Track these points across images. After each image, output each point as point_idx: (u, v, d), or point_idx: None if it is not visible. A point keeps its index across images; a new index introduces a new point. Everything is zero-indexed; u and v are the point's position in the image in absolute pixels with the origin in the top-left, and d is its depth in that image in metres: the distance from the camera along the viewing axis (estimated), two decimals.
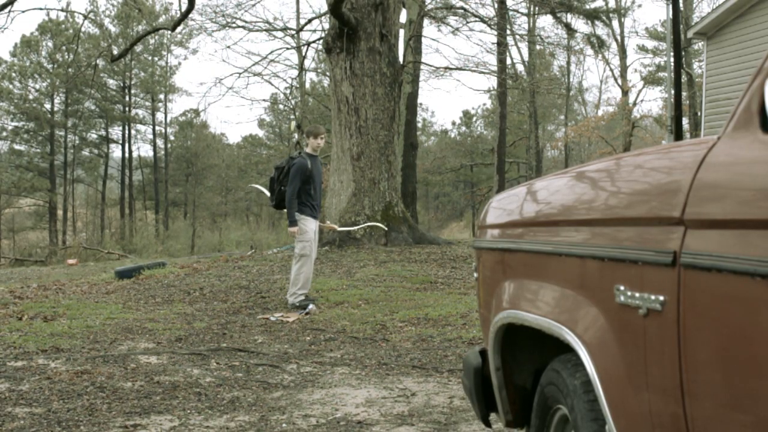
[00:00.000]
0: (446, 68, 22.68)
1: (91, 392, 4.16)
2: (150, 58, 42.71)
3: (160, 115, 44.44)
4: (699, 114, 21.03)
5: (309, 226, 7.05)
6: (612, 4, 33.98)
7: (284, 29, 24.41)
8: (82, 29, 21.66)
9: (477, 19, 20.27)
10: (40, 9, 32.26)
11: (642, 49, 37.57)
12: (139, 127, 44.12)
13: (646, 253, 1.41)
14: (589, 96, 52.22)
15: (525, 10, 25.53)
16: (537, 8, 23.73)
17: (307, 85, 36.67)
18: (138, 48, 37.19)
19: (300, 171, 6.95)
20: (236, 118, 52.79)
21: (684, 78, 26.27)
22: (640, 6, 66.94)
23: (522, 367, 2.18)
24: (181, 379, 4.47)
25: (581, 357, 1.61)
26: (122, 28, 39.23)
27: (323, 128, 7.41)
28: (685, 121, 25.25)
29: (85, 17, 20.71)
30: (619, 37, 34.13)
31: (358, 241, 12.28)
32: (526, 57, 33.97)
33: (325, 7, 16.52)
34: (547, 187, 2.07)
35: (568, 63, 38.56)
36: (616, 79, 36.11)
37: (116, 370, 4.70)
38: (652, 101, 72.98)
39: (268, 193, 7.52)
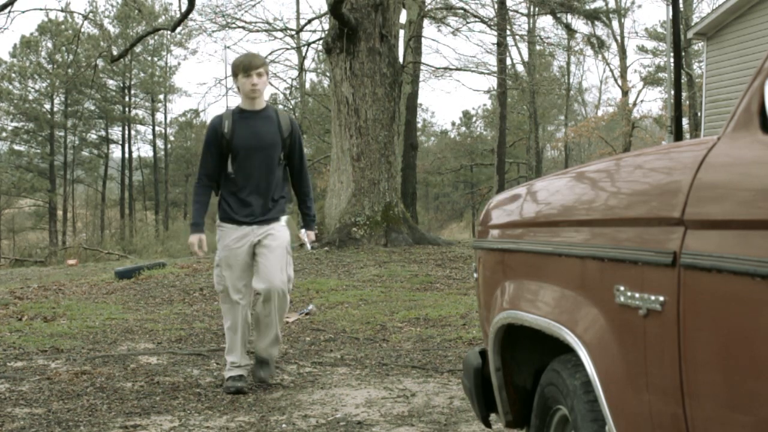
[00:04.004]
0: (446, 68, 22.73)
1: (91, 392, 4.16)
2: (150, 58, 42.71)
3: (159, 116, 44.50)
4: (699, 114, 21.04)
5: (226, 239, 4.16)
6: (612, 4, 34.00)
7: (284, 29, 24.42)
8: (82, 30, 21.64)
9: (477, 19, 20.30)
10: (40, 9, 32.29)
11: (642, 49, 37.59)
12: (139, 127, 44.17)
13: (646, 253, 1.41)
14: (589, 96, 52.24)
15: (525, 11, 25.55)
16: (537, 9, 23.74)
17: (307, 86, 36.69)
18: (138, 48, 37.18)
19: (206, 139, 4.19)
20: None
21: (684, 78, 26.29)
22: (639, 6, 67.12)
23: (522, 367, 2.18)
24: (181, 380, 4.47)
25: (581, 357, 1.61)
26: (122, 28, 39.24)
27: (256, 57, 4.22)
28: (685, 122, 25.25)
29: (85, 18, 20.71)
30: (619, 38, 34.15)
31: (357, 241, 12.28)
32: (526, 57, 34.01)
33: (325, 8, 16.54)
34: (547, 188, 2.07)
35: (568, 63, 38.58)
36: (616, 80, 36.14)
37: (116, 370, 4.70)
38: (652, 102, 73.13)
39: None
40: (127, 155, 43.08)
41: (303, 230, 4.49)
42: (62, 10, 33.73)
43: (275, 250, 4.10)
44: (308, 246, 4.49)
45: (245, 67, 4.08)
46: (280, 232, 4.16)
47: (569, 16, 22.11)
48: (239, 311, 4.20)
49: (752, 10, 13.23)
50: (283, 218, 4.23)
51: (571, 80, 40.04)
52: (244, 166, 4.13)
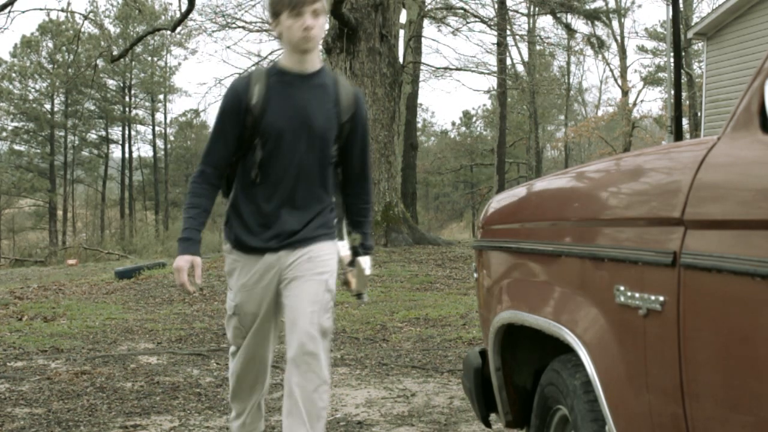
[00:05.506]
0: (446, 68, 22.73)
1: (91, 392, 4.15)
2: (150, 58, 42.71)
3: (159, 116, 44.49)
4: (699, 114, 21.04)
5: (242, 276, 2.73)
6: (612, 4, 33.99)
7: None
8: (82, 30, 21.64)
9: (477, 19, 20.32)
10: (40, 9, 32.18)
11: (642, 49, 37.59)
12: (139, 127, 44.15)
13: (646, 253, 1.41)
14: (589, 96, 52.21)
15: (525, 11, 25.54)
16: (537, 9, 23.74)
17: None
18: (138, 48, 37.16)
19: (221, 110, 2.68)
20: None
21: (684, 78, 26.30)
22: (640, 6, 67.11)
23: (522, 367, 2.18)
24: (181, 380, 4.47)
25: (581, 357, 1.61)
26: (122, 28, 39.24)
27: None
28: (685, 122, 25.25)
29: (85, 18, 20.67)
30: (619, 38, 34.14)
31: None
32: (526, 57, 34.01)
33: None
34: (547, 187, 2.07)
35: (568, 63, 38.58)
36: (616, 80, 36.13)
37: (116, 370, 4.70)
38: (652, 101, 73.18)
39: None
40: (127, 155, 43.08)
41: (352, 267, 2.84)
42: (63, 10, 33.68)
43: (310, 285, 2.63)
44: (366, 298, 2.89)
45: (294, 2, 2.57)
46: (322, 255, 2.69)
47: (569, 16, 22.12)
48: (250, 362, 2.81)
49: (752, 10, 13.23)
50: (340, 244, 2.81)
51: (571, 80, 40.07)
52: (276, 159, 2.66)
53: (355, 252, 2.84)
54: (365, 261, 2.83)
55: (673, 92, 11.81)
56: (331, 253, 2.73)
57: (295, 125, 2.64)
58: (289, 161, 2.66)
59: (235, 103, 2.64)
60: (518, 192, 2.28)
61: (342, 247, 2.76)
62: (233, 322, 2.77)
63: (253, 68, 2.82)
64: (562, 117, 41.60)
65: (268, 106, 2.63)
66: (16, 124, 40.50)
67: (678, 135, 10.34)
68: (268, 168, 2.66)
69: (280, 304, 2.71)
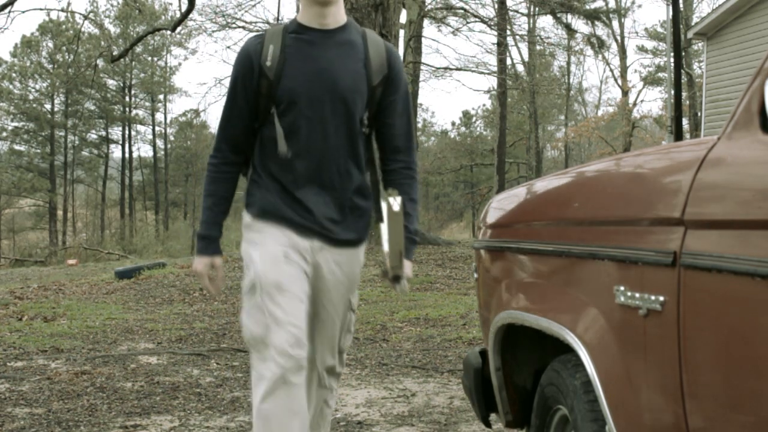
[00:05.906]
0: (446, 68, 22.71)
1: (91, 392, 4.15)
2: (150, 58, 42.72)
3: (159, 116, 44.50)
4: (699, 114, 21.05)
5: (265, 243, 2.27)
6: (612, 4, 34.01)
7: None
8: (83, 29, 21.67)
9: (477, 19, 20.32)
10: (41, 9, 32.20)
11: (642, 49, 37.60)
12: (139, 127, 44.16)
13: (646, 253, 1.41)
14: (589, 96, 52.25)
15: (525, 11, 25.55)
16: (537, 9, 23.75)
17: None
18: (138, 48, 37.17)
19: (233, 78, 2.32)
20: None
21: (684, 78, 26.30)
22: (640, 6, 67.16)
23: (522, 367, 2.19)
24: (182, 380, 4.47)
25: (581, 357, 1.61)
26: (122, 28, 39.24)
27: None
28: (685, 122, 25.25)
29: (85, 18, 20.68)
30: (619, 38, 34.16)
31: None
32: (526, 57, 34.03)
33: None
34: (547, 187, 2.07)
35: (568, 63, 38.59)
36: (616, 80, 36.15)
37: (116, 370, 4.70)
38: (652, 102, 73.23)
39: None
40: (127, 155, 43.09)
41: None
42: (63, 10, 33.67)
43: (337, 312, 2.43)
44: (405, 285, 2.27)
45: None
46: (354, 269, 2.47)
47: (569, 16, 22.15)
48: (297, 392, 2.17)
49: (752, 10, 13.23)
50: (388, 204, 2.13)
51: (571, 80, 40.09)
52: (297, 130, 2.29)
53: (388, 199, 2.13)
54: (395, 201, 2.09)
55: (673, 92, 11.82)
56: (360, 262, 2.52)
57: (317, 90, 2.26)
58: (311, 132, 2.27)
59: (247, 66, 2.29)
60: (518, 192, 2.28)
61: (385, 241, 2.20)
62: (253, 302, 2.21)
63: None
64: (562, 117, 41.61)
65: (285, 68, 2.26)
66: (16, 124, 40.52)
67: (678, 135, 10.34)
68: (289, 141, 2.28)
69: (309, 289, 2.31)
